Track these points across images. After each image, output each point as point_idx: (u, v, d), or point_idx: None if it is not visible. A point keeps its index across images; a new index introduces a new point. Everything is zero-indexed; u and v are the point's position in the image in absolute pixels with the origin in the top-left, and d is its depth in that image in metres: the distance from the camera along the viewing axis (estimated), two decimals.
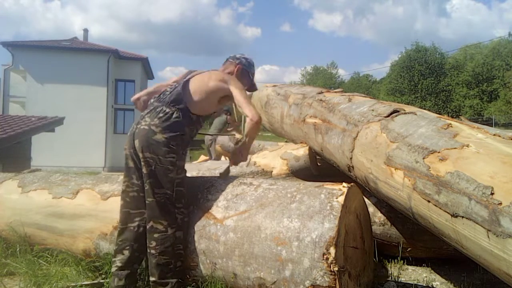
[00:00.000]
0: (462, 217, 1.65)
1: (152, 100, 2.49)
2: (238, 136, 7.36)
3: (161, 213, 2.22)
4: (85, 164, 21.32)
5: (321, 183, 2.23)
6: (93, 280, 2.57)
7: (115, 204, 2.51)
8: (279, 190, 2.24)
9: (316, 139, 3.32)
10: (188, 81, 2.46)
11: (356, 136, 2.61)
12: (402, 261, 3.00)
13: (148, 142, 2.23)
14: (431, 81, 39.03)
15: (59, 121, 13.29)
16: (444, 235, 1.91)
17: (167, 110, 2.31)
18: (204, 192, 2.41)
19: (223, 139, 7.86)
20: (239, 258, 2.11)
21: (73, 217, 2.82)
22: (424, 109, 2.70)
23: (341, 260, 1.91)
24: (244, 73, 2.69)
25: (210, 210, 2.30)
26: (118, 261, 2.27)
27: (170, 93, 2.41)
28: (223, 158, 7.91)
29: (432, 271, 3.03)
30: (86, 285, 2.47)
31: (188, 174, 2.47)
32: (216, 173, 3.99)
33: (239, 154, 2.53)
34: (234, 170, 3.96)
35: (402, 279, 2.80)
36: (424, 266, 3.09)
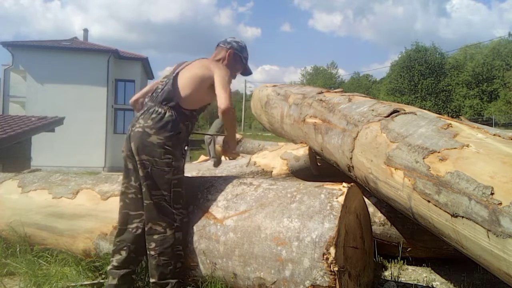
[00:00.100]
0: (462, 217, 1.65)
1: (146, 100, 2.46)
2: (238, 136, 7.36)
3: (159, 214, 2.21)
4: (85, 164, 21.33)
5: (321, 183, 2.23)
6: (93, 280, 2.57)
7: (115, 204, 2.51)
8: (279, 190, 2.24)
9: (316, 139, 3.32)
10: (177, 75, 2.40)
11: (356, 136, 2.61)
12: (402, 261, 3.00)
13: (144, 145, 2.21)
14: (431, 81, 39.02)
15: (59, 121, 13.30)
16: (444, 235, 1.91)
17: (160, 110, 2.27)
18: (204, 192, 2.41)
19: (223, 139, 7.85)
20: (239, 258, 2.11)
21: (73, 217, 2.82)
22: (424, 109, 2.70)
23: (341, 260, 1.91)
24: (237, 57, 2.58)
25: (210, 210, 2.30)
26: (114, 260, 2.28)
27: (161, 90, 2.37)
28: (223, 158, 7.90)
29: (432, 271, 3.03)
30: (86, 285, 2.47)
31: (188, 174, 2.47)
32: (217, 172, 3.99)
33: (226, 145, 2.53)
34: (234, 170, 3.97)
35: (402, 279, 2.80)
36: (424, 266, 3.09)
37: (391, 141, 2.25)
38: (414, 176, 1.98)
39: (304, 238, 1.95)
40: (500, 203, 1.50)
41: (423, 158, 1.95)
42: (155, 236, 2.20)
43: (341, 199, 2.02)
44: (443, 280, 2.86)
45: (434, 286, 2.75)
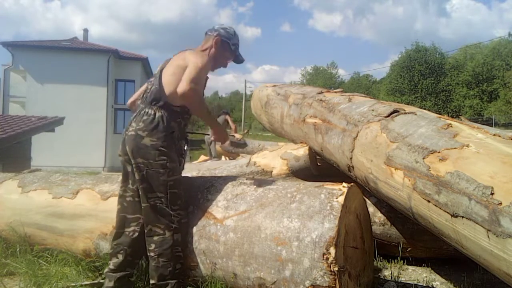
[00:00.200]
0: (462, 217, 1.65)
1: (138, 102, 2.44)
2: (237, 136, 7.37)
3: (157, 217, 2.21)
4: (85, 164, 21.32)
5: (321, 183, 2.23)
6: (93, 280, 2.57)
7: (115, 204, 2.50)
8: (279, 190, 2.24)
9: (316, 139, 3.31)
10: (162, 73, 2.36)
11: (356, 136, 2.61)
12: (402, 261, 3.00)
13: (138, 147, 2.20)
14: (431, 81, 39.00)
15: (59, 121, 13.30)
16: (444, 235, 1.91)
17: (150, 111, 2.25)
18: (204, 192, 2.41)
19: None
20: (239, 258, 2.11)
21: (73, 217, 2.82)
22: (424, 109, 2.70)
23: (341, 260, 1.91)
24: (224, 44, 2.46)
25: (210, 210, 2.29)
26: (111, 263, 2.29)
27: (149, 91, 2.35)
28: (223, 158, 7.92)
29: (432, 271, 3.03)
30: (86, 285, 2.47)
31: (188, 174, 2.47)
32: (217, 172, 4.00)
33: (216, 137, 2.46)
34: (234, 170, 3.97)
35: (402, 279, 2.80)
36: (424, 266, 3.09)
37: (391, 141, 2.25)
38: (414, 176, 1.98)
39: (304, 238, 1.95)
40: (500, 203, 1.50)
41: (423, 158, 1.95)
42: (155, 238, 2.20)
43: (341, 199, 2.01)
44: (443, 280, 2.86)
45: (434, 286, 2.75)
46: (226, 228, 2.19)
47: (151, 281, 2.20)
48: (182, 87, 2.10)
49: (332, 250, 1.86)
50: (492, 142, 1.85)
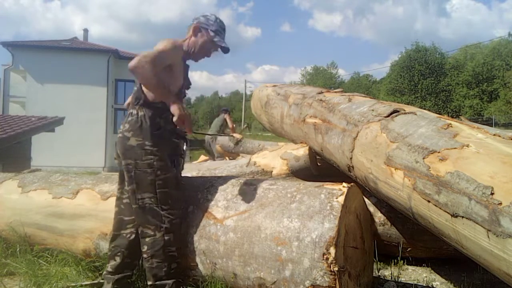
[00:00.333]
0: (462, 217, 1.65)
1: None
2: (237, 136, 7.37)
3: (146, 217, 2.19)
4: (85, 164, 21.33)
5: (321, 183, 2.23)
6: (93, 280, 2.57)
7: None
8: (279, 190, 2.24)
9: (316, 139, 3.31)
10: None
11: (356, 136, 2.61)
12: (402, 261, 3.00)
13: (125, 149, 2.20)
14: (431, 81, 39.01)
15: (59, 121, 13.31)
16: (444, 235, 1.91)
17: (133, 111, 2.25)
18: (204, 192, 2.41)
19: (222, 139, 7.87)
20: (239, 258, 2.11)
21: (73, 217, 2.82)
22: (424, 109, 2.70)
23: (341, 260, 1.91)
24: (203, 32, 2.34)
25: (210, 210, 2.29)
26: (109, 266, 2.29)
27: (133, 92, 2.34)
28: (221, 158, 7.91)
29: (432, 271, 3.03)
30: (86, 285, 2.47)
31: (188, 174, 2.46)
32: (217, 172, 4.00)
33: (173, 112, 2.08)
34: (234, 170, 3.97)
35: (402, 279, 2.80)
36: (424, 266, 3.09)
37: (391, 141, 2.25)
38: (414, 176, 1.98)
39: (304, 238, 1.95)
40: (500, 203, 1.50)
41: (423, 158, 1.95)
42: (147, 239, 2.19)
43: (341, 199, 2.01)
44: (443, 280, 2.86)
45: (434, 286, 2.75)
46: (226, 228, 2.19)
47: (149, 282, 2.20)
48: (131, 63, 2.01)
49: (332, 250, 1.86)
50: (492, 142, 1.85)
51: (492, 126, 6.72)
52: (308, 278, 1.89)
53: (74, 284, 2.46)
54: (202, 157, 8.54)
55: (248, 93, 41.35)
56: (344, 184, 2.14)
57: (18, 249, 2.91)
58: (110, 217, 2.61)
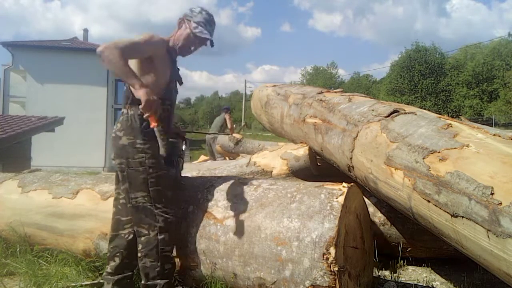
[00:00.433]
0: (462, 217, 1.65)
1: None
2: (237, 136, 7.37)
3: (140, 217, 2.18)
4: (85, 164, 21.32)
5: (321, 183, 2.23)
6: (93, 280, 2.57)
7: None
8: (279, 190, 2.24)
9: (316, 139, 3.31)
10: None
11: (356, 136, 2.61)
12: (402, 261, 3.00)
13: (117, 148, 2.21)
14: (431, 81, 38.98)
15: (59, 121, 13.31)
16: (444, 235, 1.91)
17: (124, 110, 2.25)
18: (204, 192, 2.41)
19: (223, 139, 7.87)
20: (239, 258, 2.11)
21: (73, 217, 2.82)
22: (424, 109, 2.70)
23: (341, 260, 1.91)
24: (186, 23, 2.30)
25: (210, 210, 2.29)
26: (109, 267, 2.29)
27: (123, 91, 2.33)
28: (221, 158, 7.90)
29: (432, 271, 3.03)
30: (86, 285, 2.47)
31: (188, 174, 2.46)
32: (217, 172, 4.00)
33: (141, 97, 1.96)
34: (234, 170, 3.97)
35: (402, 279, 2.80)
36: (424, 266, 3.09)
37: (391, 141, 2.25)
38: (414, 176, 1.98)
39: (304, 238, 1.95)
40: (500, 203, 1.50)
41: (423, 158, 1.95)
42: (142, 238, 2.18)
43: (341, 199, 2.01)
44: (443, 280, 2.86)
45: (434, 286, 2.75)
46: (226, 228, 2.19)
47: (142, 282, 2.19)
48: (98, 48, 1.96)
49: (332, 250, 1.86)
50: (492, 142, 1.85)
51: (492, 126, 6.72)
52: (308, 278, 1.89)
53: (74, 284, 2.46)
54: (202, 157, 8.54)
55: (248, 93, 41.36)
56: (344, 184, 2.14)
57: (18, 249, 2.91)
58: (110, 217, 2.61)
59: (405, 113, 2.44)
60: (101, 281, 2.49)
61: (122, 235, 2.30)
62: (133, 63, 2.15)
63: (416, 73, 39.33)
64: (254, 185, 2.35)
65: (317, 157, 3.70)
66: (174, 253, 2.31)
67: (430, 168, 1.89)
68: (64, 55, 23.10)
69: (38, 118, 12.79)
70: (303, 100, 3.73)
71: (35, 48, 23.26)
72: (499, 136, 1.90)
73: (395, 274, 2.81)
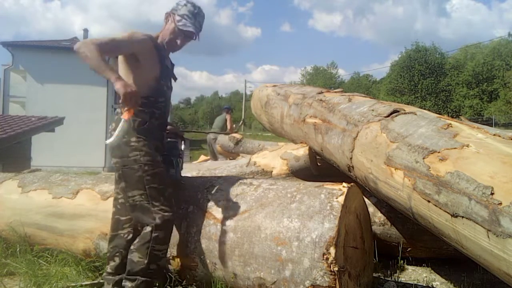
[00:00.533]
0: (462, 217, 1.65)
1: None
2: (237, 136, 7.37)
3: (137, 214, 2.17)
4: (85, 164, 21.33)
5: (321, 183, 2.23)
6: (93, 280, 2.57)
7: None
8: (279, 190, 2.24)
9: (316, 139, 3.31)
10: None
11: (356, 136, 2.61)
12: (402, 261, 3.00)
13: (112, 147, 2.20)
14: (431, 81, 38.98)
15: (59, 121, 13.31)
16: (444, 235, 1.91)
17: (118, 110, 2.25)
18: (204, 192, 2.41)
19: (223, 139, 7.87)
20: (239, 258, 2.11)
21: (73, 217, 2.82)
22: (424, 109, 2.70)
23: (341, 260, 1.91)
24: (172, 17, 2.30)
25: (210, 210, 2.29)
26: (109, 267, 2.28)
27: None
28: (221, 157, 7.90)
29: (432, 271, 3.03)
30: (86, 285, 2.47)
31: (188, 174, 2.46)
32: (216, 172, 4.00)
33: (119, 89, 1.96)
34: (234, 170, 3.97)
35: (402, 279, 2.80)
36: (424, 266, 3.09)
37: (391, 141, 2.25)
38: (414, 176, 1.98)
39: (304, 238, 1.95)
40: (500, 203, 1.50)
41: (423, 158, 1.95)
42: (141, 233, 2.18)
43: (341, 199, 2.02)
44: (443, 280, 2.86)
45: (434, 286, 2.75)
46: (226, 228, 2.18)
47: (125, 273, 2.15)
48: (77, 43, 1.98)
49: (332, 250, 1.86)
50: (492, 142, 1.85)
51: (492, 126, 6.72)
52: (308, 278, 1.89)
53: (74, 284, 2.46)
54: (202, 157, 8.54)
55: (248, 93, 41.36)
56: (344, 184, 2.14)
57: (18, 249, 2.91)
58: (110, 217, 2.62)
59: (405, 113, 2.44)
60: (101, 281, 2.50)
61: (122, 234, 2.30)
62: (119, 62, 2.18)
63: (416, 73, 39.33)
64: (254, 185, 2.35)
65: (317, 157, 3.70)
66: (174, 253, 2.31)
67: (430, 168, 1.89)
68: (64, 55, 23.08)
69: (38, 118, 12.79)
70: (303, 100, 3.73)
71: (35, 48, 23.28)
72: (499, 136, 1.90)
73: (395, 274, 2.81)
